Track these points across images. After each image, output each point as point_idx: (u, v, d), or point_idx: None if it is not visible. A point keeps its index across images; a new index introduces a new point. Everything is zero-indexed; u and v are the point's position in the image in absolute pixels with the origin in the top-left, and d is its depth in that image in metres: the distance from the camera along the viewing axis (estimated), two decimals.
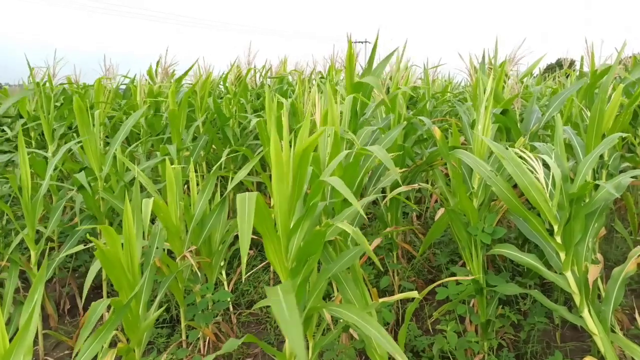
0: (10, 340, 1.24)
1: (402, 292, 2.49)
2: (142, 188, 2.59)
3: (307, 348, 1.84)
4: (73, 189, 2.75)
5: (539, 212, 1.77)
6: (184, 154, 3.32)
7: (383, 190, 2.56)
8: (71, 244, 2.56)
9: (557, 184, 1.67)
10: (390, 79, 3.35)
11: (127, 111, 4.08)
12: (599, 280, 2.11)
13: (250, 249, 3.28)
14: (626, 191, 3.00)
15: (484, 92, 2.12)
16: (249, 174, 2.98)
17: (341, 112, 2.37)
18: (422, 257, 3.16)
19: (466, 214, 2.10)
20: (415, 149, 3.23)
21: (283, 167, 1.41)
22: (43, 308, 2.74)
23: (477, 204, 2.15)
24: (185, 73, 4.43)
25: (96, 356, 1.55)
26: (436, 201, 3.64)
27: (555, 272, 1.82)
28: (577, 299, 1.73)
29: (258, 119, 3.01)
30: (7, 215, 3.03)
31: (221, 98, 4.45)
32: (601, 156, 2.59)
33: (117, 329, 1.74)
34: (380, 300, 1.66)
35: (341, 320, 1.75)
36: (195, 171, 3.01)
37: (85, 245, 2.30)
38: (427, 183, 3.89)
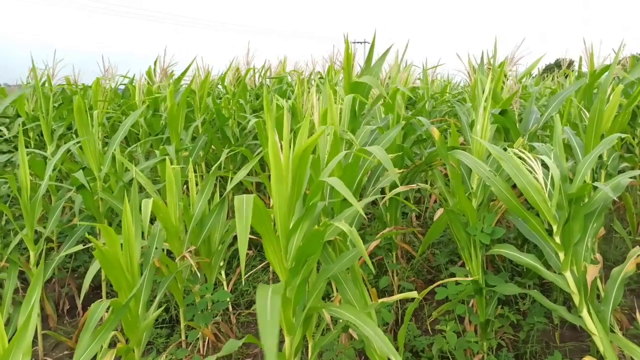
0: (10, 341, 1.24)
1: (401, 292, 2.49)
2: (141, 188, 2.59)
3: (307, 348, 1.84)
4: (72, 189, 2.75)
5: (538, 212, 1.77)
6: (183, 154, 3.32)
7: (382, 191, 2.56)
8: (70, 244, 2.56)
9: (556, 184, 1.68)
10: (389, 78, 3.35)
11: (125, 111, 4.08)
12: (598, 280, 2.11)
13: (250, 249, 3.28)
14: (625, 191, 3.00)
15: (483, 93, 2.13)
16: (248, 174, 2.98)
17: (340, 112, 2.37)
18: (421, 257, 3.16)
19: (465, 214, 2.10)
20: (415, 149, 3.24)
21: (282, 168, 1.41)
22: (42, 308, 2.74)
23: (476, 204, 2.15)
24: (184, 73, 4.43)
25: (95, 356, 1.55)
26: (435, 201, 3.64)
27: (555, 272, 1.82)
28: (576, 299, 1.74)
29: (257, 119, 3.01)
30: (6, 215, 3.03)
31: (220, 98, 4.45)
32: (600, 156, 2.59)
33: (116, 329, 1.74)
34: (380, 300, 1.66)
35: (341, 321, 1.75)
36: (195, 171, 3.01)
37: (84, 246, 2.30)
38: (426, 183, 3.89)
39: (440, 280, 1.86)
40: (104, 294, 2.81)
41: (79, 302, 2.98)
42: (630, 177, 1.78)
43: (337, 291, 2.04)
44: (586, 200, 1.82)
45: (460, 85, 6.90)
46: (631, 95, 2.50)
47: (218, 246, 2.41)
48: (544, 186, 1.70)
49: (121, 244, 1.69)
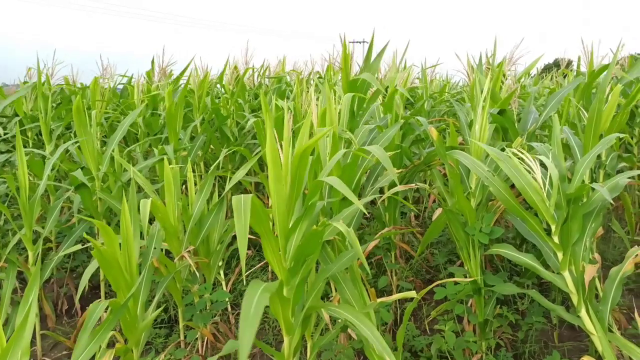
0: (8, 341, 1.24)
1: (400, 292, 2.49)
2: (140, 188, 2.59)
3: (306, 348, 1.84)
4: (70, 189, 2.75)
5: (536, 212, 1.77)
6: (181, 154, 3.32)
7: (381, 190, 2.56)
8: (69, 244, 2.56)
9: (555, 184, 1.68)
10: (387, 78, 3.35)
11: (124, 111, 4.08)
12: (597, 280, 2.12)
13: (249, 249, 3.28)
14: (623, 191, 3.01)
15: (481, 92, 2.13)
16: (247, 174, 2.98)
17: (339, 112, 2.37)
18: (420, 257, 3.17)
19: (464, 214, 2.10)
20: (413, 149, 3.24)
21: (280, 168, 1.41)
22: (41, 308, 2.74)
23: (474, 204, 2.15)
24: (182, 72, 4.42)
25: (94, 356, 1.55)
26: (434, 201, 3.64)
27: (553, 272, 1.82)
28: (574, 299, 1.74)
29: (256, 118, 3.01)
30: (4, 215, 3.03)
31: (219, 98, 4.44)
32: (599, 156, 2.59)
33: (115, 330, 1.74)
34: (379, 300, 1.66)
35: (339, 320, 1.75)
36: (193, 171, 3.01)
37: (82, 246, 2.30)
38: (425, 183, 3.89)
39: (439, 280, 1.86)
40: (102, 294, 2.81)
41: (76, 301, 2.98)
42: (629, 177, 1.79)
43: (336, 291, 2.04)
44: (585, 200, 1.82)
45: (459, 85, 6.90)
46: (629, 94, 2.50)
47: (217, 246, 2.41)
48: (542, 186, 1.70)
49: (120, 244, 1.69)
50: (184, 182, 3.09)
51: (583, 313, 1.71)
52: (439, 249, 3.33)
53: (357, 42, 24.87)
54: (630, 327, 2.40)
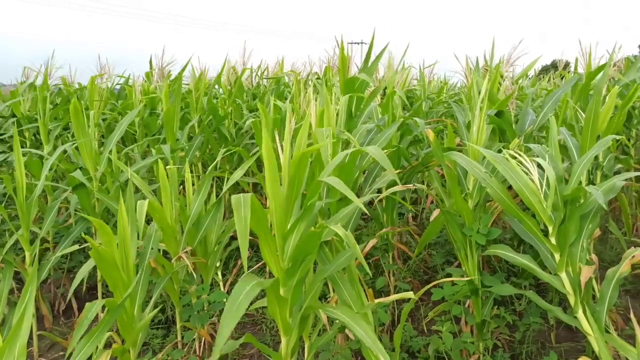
0: (4, 341, 1.24)
1: (398, 292, 2.49)
2: (138, 188, 2.58)
3: (304, 348, 1.84)
4: (68, 190, 2.74)
5: (533, 213, 1.77)
6: (179, 154, 3.32)
7: (379, 191, 2.56)
8: (66, 244, 2.55)
9: (552, 185, 1.68)
10: (386, 80, 3.36)
11: (122, 111, 4.07)
12: (594, 281, 2.12)
13: None
14: (620, 192, 3.01)
15: (479, 94, 2.13)
16: (244, 175, 2.97)
17: (337, 113, 2.37)
18: (418, 258, 3.17)
19: (461, 214, 2.10)
20: (411, 150, 3.24)
21: (277, 171, 1.41)
22: (38, 309, 2.73)
23: (472, 205, 2.16)
24: (180, 72, 4.42)
25: (91, 357, 1.55)
26: (432, 202, 3.65)
27: (550, 273, 1.83)
28: (571, 300, 1.74)
29: (254, 119, 3.01)
30: (1, 215, 3.01)
31: (217, 98, 4.44)
32: (596, 157, 2.60)
33: (112, 330, 1.74)
34: (376, 300, 1.66)
35: (337, 321, 1.75)
36: (191, 172, 3.00)
37: (80, 246, 2.29)
38: (423, 184, 3.90)
39: (436, 281, 1.86)
40: (99, 294, 2.80)
41: (74, 302, 2.97)
42: (625, 179, 1.79)
43: (333, 291, 2.04)
44: (582, 201, 1.82)
45: (457, 86, 6.91)
46: (626, 96, 2.51)
47: (214, 247, 2.41)
48: (539, 187, 1.71)
49: (117, 244, 1.69)
50: (182, 183, 3.09)
51: (580, 314, 1.71)
52: (437, 249, 3.34)
53: (355, 43, 24.85)
54: (627, 327, 2.41)
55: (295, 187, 1.46)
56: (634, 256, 1.77)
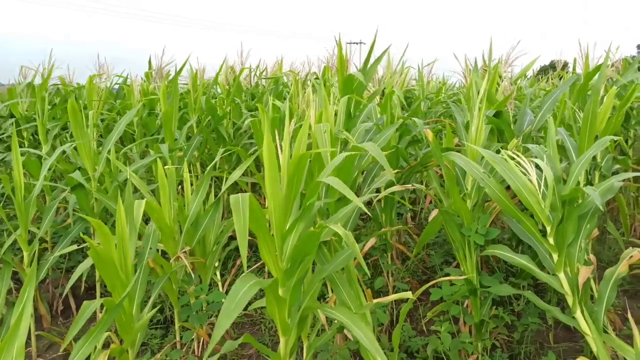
0: (2, 341, 1.23)
1: (396, 292, 2.49)
2: (137, 188, 2.58)
3: (302, 349, 1.84)
4: (66, 190, 2.74)
5: (532, 214, 1.78)
6: (177, 154, 3.31)
7: (378, 191, 2.57)
8: (64, 244, 2.55)
9: (550, 185, 1.68)
10: (385, 80, 3.36)
11: (121, 111, 4.07)
12: (592, 281, 2.12)
13: None
14: (618, 193, 3.02)
15: (478, 94, 2.13)
16: (243, 175, 2.98)
17: (336, 113, 2.37)
18: (416, 258, 3.17)
19: (460, 215, 2.10)
20: (410, 150, 3.24)
21: (277, 170, 1.41)
22: (36, 309, 2.73)
23: (470, 205, 2.16)
24: (178, 73, 4.43)
25: (89, 357, 1.54)
26: (430, 202, 3.65)
27: (548, 273, 1.83)
28: (570, 300, 1.74)
29: (252, 118, 3.00)
30: None
31: (215, 98, 4.44)
32: (594, 158, 2.60)
33: (110, 330, 1.74)
34: (375, 301, 1.66)
35: (336, 321, 1.75)
36: (190, 171, 3.00)
37: (78, 246, 2.29)
38: (422, 184, 3.90)
39: (434, 281, 1.86)
40: (98, 294, 2.80)
41: (70, 299, 2.97)
42: (623, 180, 1.79)
43: (332, 292, 2.04)
44: (580, 201, 1.83)
45: (456, 86, 6.92)
46: (624, 96, 2.52)
47: (213, 247, 2.41)
48: (537, 188, 1.71)
49: (115, 244, 1.68)
50: (180, 183, 3.09)
51: (578, 314, 1.72)
52: (435, 250, 3.34)
53: (354, 43, 24.85)
54: (625, 328, 2.41)
55: (294, 186, 1.46)
56: (631, 256, 1.78)
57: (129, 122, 3.20)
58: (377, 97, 3.35)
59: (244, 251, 1.26)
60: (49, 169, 2.68)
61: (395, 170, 2.61)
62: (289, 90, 4.41)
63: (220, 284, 2.63)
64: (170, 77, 4.39)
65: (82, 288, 3.12)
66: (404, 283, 2.82)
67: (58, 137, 3.84)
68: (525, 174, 1.72)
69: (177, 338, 2.32)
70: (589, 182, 2.67)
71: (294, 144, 1.53)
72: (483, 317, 2.15)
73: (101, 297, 2.82)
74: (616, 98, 2.88)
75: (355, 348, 2.03)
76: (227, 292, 2.80)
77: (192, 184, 2.36)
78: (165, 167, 2.18)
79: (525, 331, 2.39)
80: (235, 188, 3.59)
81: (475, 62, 3.17)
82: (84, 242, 2.01)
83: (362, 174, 2.58)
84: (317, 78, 4.72)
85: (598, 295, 1.79)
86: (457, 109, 2.88)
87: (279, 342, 1.58)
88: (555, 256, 1.77)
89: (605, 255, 3.40)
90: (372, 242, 2.38)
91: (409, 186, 2.41)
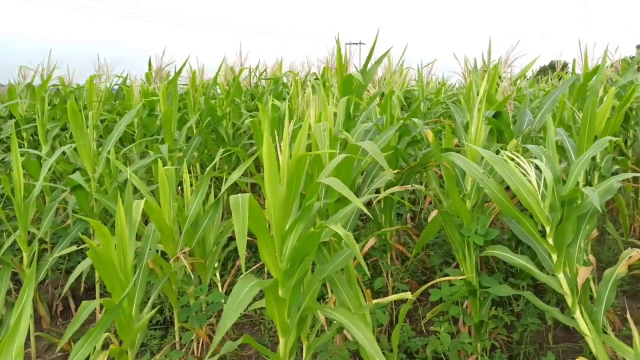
0: (1, 342, 1.23)
1: (396, 293, 2.49)
2: (136, 189, 2.58)
3: (302, 349, 1.84)
4: (66, 190, 2.74)
5: (531, 214, 1.78)
6: (177, 154, 3.31)
7: (377, 192, 2.57)
8: (64, 245, 2.55)
9: (549, 186, 1.69)
10: (384, 80, 3.36)
11: (120, 112, 4.07)
12: (591, 281, 2.12)
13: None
14: (618, 193, 3.02)
15: (477, 95, 2.13)
16: (243, 175, 2.97)
17: (335, 113, 2.38)
18: (416, 259, 3.17)
19: (459, 215, 2.10)
20: (409, 151, 3.24)
21: (277, 171, 1.41)
22: (35, 310, 2.73)
23: (470, 205, 2.16)
24: (177, 73, 4.43)
25: (88, 358, 1.54)
26: (430, 203, 3.65)
27: (548, 274, 1.83)
28: (569, 301, 1.74)
29: (252, 119, 3.01)
30: None
31: (215, 99, 4.44)
32: (593, 158, 2.61)
33: (109, 331, 1.74)
34: (374, 301, 1.66)
35: (335, 322, 1.75)
36: (189, 172, 3.00)
37: (78, 247, 2.29)
38: (421, 184, 3.90)
39: (434, 281, 1.86)
40: (97, 295, 2.80)
41: (69, 300, 2.97)
42: (621, 180, 1.80)
43: (332, 292, 2.04)
44: (579, 202, 1.83)
45: (456, 86, 6.92)
46: (623, 97, 2.52)
47: (212, 247, 2.41)
48: (537, 188, 1.71)
49: (115, 245, 1.68)
50: (180, 183, 3.09)
51: (577, 314, 1.72)
52: (435, 250, 3.34)
53: (354, 43, 24.85)
54: (624, 328, 2.41)
55: (293, 187, 1.46)
56: (631, 257, 1.78)
57: (129, 123, 3.20)
58: (377, 98, 3.35)
59: (242, 252, 1.26)
60: (49, 170, 2.68)
61: (395, 171, 2.61)
62: (289, 90, 4.41)
63: (219, 284, 2.63)
64: (170, 78, 4.39)
65: (82, 289, 3.11)
66: (403, 283, 2.82)
67: (58, 138, 3.85)
68: (524, 175, 1.72)
69: (177, 339, 2.32)
70: (588, 183, 2.67)
71: (293, 145, 1.53)
72: (482, 318, 2.15)
73: (101, 297, 2.82)
74: (615, 98, 2.88)
75: (355, 348, 2.03)
76: (226, 293, 2.80)
77: (191, 185, 2.36)
78: (165, 167, 2.18)
79: (525, 332, 2.39)
80: (235, 189, 3.59)
81: (475, 63, 3.17)
82: (84, 242, 2.01)
83: (362, 174, 2.58)
84: (316, 78, 4.72)
85: (597, 295, 1.79)
86: (456, 110, 2.88)
87: (279, 342, 1.58)
88: (554, 257, 1.77)
89: (605, 255, 3.40)
90: (371, 242, 2.38)
91: (409, 187, 2.41)
